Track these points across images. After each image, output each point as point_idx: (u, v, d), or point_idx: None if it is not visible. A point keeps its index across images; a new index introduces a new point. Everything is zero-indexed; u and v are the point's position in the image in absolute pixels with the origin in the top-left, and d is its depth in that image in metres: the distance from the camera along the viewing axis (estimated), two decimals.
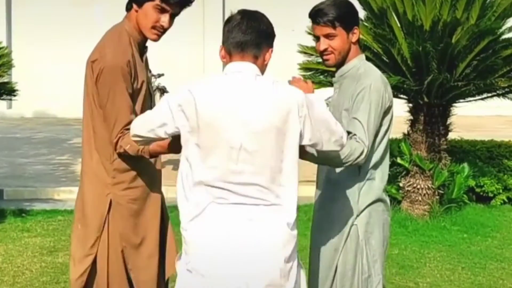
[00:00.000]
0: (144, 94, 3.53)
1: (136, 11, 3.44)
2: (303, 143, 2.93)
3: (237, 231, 2.84)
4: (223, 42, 3.04)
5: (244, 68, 2.95)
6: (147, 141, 3.12)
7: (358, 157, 3.27)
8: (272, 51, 3.05)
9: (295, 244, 2.91)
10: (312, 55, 8.21)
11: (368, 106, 3.35)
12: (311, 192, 3.77)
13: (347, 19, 3.45)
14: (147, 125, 3.03)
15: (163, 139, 3.09)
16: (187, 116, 2.88)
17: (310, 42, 8.27)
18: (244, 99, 2.88)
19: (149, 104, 3.59)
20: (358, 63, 3.52)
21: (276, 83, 2.94)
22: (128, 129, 3.29)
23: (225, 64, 3.05)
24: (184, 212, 2.91)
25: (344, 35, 3.46)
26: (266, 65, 3.05)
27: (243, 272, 2.81)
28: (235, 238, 2.83)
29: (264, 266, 2.83)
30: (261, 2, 18.11)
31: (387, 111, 3.46)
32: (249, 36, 2.97)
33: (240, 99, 2.88)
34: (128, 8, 3.49)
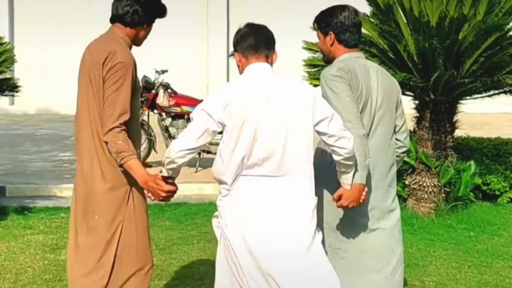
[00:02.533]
0: (137, 96, 3.97)
1: (145, 28, 4.01)
2: (315, 121, 3.57)
3: (259, 198, 3.55)
4: (237, 50, 3.74)
5: (261, 67, 3.66)
6: (194, 153, 3.60)
7: (355, 137, 3.65)
8: (276, 53, 3.74)
9: (310, 205, 3.61)
10: (317, 51, 8.14)
11: (328, 95, 3.79)
12: None
13: (322, 24, 4.02)
14: (193, 135, 3.55)
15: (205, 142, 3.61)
16: (225, 113, 3.51)
17: (315, 38, 8.21)
18: (268, 91, 3.56)
19: (138, 104, 4.04)
20: (341, 59, 3.96)
21: (291, 78, 3.68)
22: (123, 124, 3.74)
23: (239, 67, 3.76)
24: (220, 189, 3.66)
25: (322, 38, 4.04)
26: (272, 64, 3.74)
27: (266, 224, 3.54)
28: (258, 204, 3.55)
29: (280, 222, 3.54)
30: (265, 0, 18.16)
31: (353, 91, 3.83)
32: (259, 40, 3.69)
33: (264, 91, 3.55)
34: (136, 25, 3.97)
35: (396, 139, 4.09)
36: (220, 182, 3.65)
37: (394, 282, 4.00)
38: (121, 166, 3.78)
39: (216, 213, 3.78)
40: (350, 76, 3.80)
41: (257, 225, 3.53)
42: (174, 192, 3.80)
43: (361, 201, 3.76)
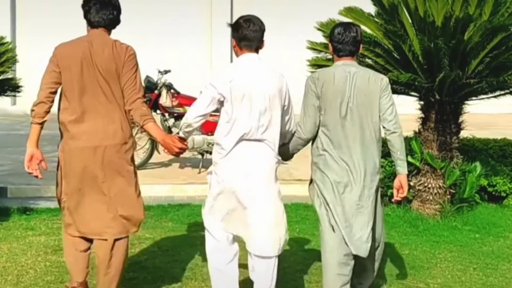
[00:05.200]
0: None
1: None
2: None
3: (249, 157, 4.81)
4: (235, 38, 4.88)
5: (252, 57, 4.87)
6: (205, 118, 4.86)
7: (297, 137, 5.12)
8: (264, 42, 4.91)
9: (277, 162, 4.94)
10: (321, 51, 8.09)
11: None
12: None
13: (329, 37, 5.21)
14: (203, 104, 4.81)
15: (216, 110, 4.88)
16: (225, 86, 4.73)
17: (319, 38, 8.16)
18: (258, 74, 4.82)
19: None
20: (332, 66, 5.15)
21: (271, 68, 4.90)
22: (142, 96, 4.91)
23: (234, 51, 4.95)
24: (218, 149, 4.87)
25: None
26: (259, 50, 4.92)
27: (249, 175, 4.82)
28: (250, 159, 4.81)
29: (260, 169, 4.85)
30: (269, 1, 18.12)
31: (318, 98, 4.97)
32: (253, 35, 4.81)
33: (256, 74, 4.81)
34: (112, 28, 5.03)
35: (383, 126, 5.07)
36: (219, 144, 4.85)
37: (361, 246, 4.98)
38: (141, 127, 4.90)
39: (210, 170, 5.03)
40: (319, 82, 4.96)
41: (246, 175, 4.81)
42: (184, 150, 4.93)
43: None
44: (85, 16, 4.98)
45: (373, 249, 5.11)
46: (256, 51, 4.87)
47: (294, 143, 5.17)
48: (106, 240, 4.93)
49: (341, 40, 5.01)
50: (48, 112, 4.84)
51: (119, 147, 4.87)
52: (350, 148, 4.95)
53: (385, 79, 5.07)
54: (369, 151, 4.99)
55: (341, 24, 5.17)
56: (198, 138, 9.82)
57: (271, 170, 4.90)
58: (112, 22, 4.97)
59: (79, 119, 4.84)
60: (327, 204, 4.98)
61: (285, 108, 4.95)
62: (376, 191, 5.06)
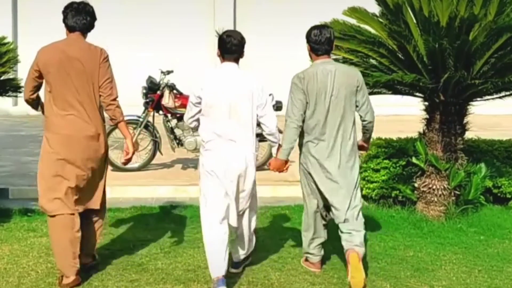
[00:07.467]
0: None
1: None
2: (256, 103, 5.68)
3: (226, 152, 5.64)
4: (219, 49, 5.74)
5: (231, 66, 5.74)
6: (195, 117, 5.79)
7: (290, 127, 5.81)
8: (243, 52, 5.77)
9: (252, 159, 5.76)
10: None
11: (289, 93, 5.84)
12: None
13: (306, 38, 5.91)
14: (188, 108, 5.78)
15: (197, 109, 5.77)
16: (199, 92, 5.65)
17: None
18: (232, 81, 5.65)
19: None
20: (311, 65, 5.92)
21: (246, 72, 5.73)
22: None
23: (220, 60, 5.76)
24: (202, 145, 5.76)
25: None
26: (239, 59, 5.78)
27: (229, 164, 5.66)
28: (225, 155, 5.63)
29: (238, 162, 5.68)
30: (272, 1, 18.07)
31: (305, 93, 5.76)
32: (234, 49, 5.69)
33: (230, 81, 5.66)
34: (87, 32, 5.86)
35: (361, 116, 5.90)
36: (200, 136, 5.75)
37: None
38: (117, 123, 5.82)
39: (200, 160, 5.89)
40: (304, 81, 5.72)
41: (220, 164, 5.66)
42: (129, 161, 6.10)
43: (284, 170, 5.94)
44: (63, 21, 5.77)
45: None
46: (236, 60, 5.72)
47: (289, 134, 5.78)
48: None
49: (317, 41, 5.79)
50: (33, 97, 6.04)
51: (92, 138, 5.72)
52: (331, 135, 5.78)
53: (359, 74, 5.89)
54: (347, 135, 5.82)
55: (316, 26, 5.91)
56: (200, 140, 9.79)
57: (246, 163, 5.69)
58: (86, 27, 5.79)
59: (59, 112, 5.72)
60: (314, 182, 5.94)
61: (261, 107, 5.69)
62: (353, 166, 5.90)
